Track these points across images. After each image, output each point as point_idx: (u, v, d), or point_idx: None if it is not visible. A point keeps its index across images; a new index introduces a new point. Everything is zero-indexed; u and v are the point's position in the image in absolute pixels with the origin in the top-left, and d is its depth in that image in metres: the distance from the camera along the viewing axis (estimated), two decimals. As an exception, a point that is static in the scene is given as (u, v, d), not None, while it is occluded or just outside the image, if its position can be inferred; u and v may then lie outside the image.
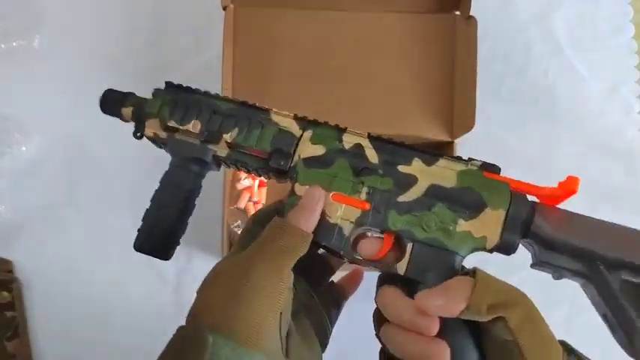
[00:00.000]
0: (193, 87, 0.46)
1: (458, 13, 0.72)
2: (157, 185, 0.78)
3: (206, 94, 0.45)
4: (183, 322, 0.74)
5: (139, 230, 0.47)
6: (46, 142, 0.75)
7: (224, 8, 0.68)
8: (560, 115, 0.79)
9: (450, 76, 0.72)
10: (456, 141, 0.71)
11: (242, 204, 0.73)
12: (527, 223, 0.36)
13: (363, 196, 0.38)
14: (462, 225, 0.37)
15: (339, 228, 0.38)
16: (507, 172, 0.84)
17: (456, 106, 0.72)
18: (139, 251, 0.47)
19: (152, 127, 0.45)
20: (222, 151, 0.43)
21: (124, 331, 0.71)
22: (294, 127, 0.42)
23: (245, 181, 0.73)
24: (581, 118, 0.79)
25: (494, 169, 0.39)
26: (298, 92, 0.71)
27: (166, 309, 0.72)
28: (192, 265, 0.73)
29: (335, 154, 0.40)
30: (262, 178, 0.45)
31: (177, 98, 0.45)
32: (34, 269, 0.72)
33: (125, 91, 0.48)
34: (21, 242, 0.72)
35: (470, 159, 0.39)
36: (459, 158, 0.39)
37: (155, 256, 0.46)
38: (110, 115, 0.47)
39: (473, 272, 0.35)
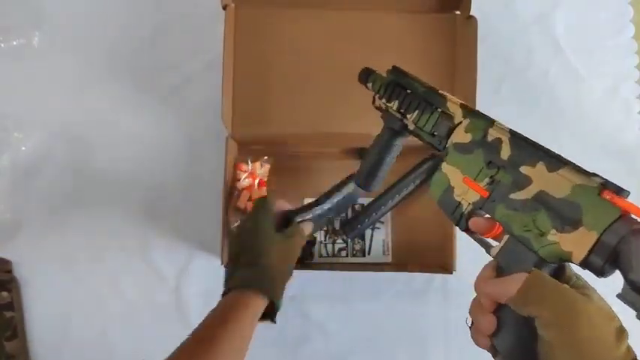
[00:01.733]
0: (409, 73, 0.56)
1: (458, 13, 0.72)
2: (156, 186, 0.79)
3: (413, 78, 0.56)
4: (182, 322, 0.74)
5: (360, 168, 0.62)
6: (45, 141, 0.75)
7: (224, 8, 0.68)
8: (561, 115, 0.79)
9: (451, 75, 0.72)
10: (456, 141, 0.71)
11: (242, 204, 0.73)
12: (616, 252, 0.36)
13: (485, 184, 0.44)
14: (554, 235, 0.39)
15: (459, 204, 0.46)
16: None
17: (456, 106, 0.72)
18: (359, 185, 0.62)
19: (378, 100, 0.58)
20: (411, 125, 0.54)
21: (123, 330, 0.71)
22: (459, 114, 0.49)
23: (245, 180, 0.73)
24: (582, 118, 0.79)
25: (618, 190, 0.38)
26: (298, 91, 0.71)
27: (166, 309, 0.72)
28: (192, 264, 0.73)
29: (477, 143, 0.46)
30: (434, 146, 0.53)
31: (393, 79, 0.56)
32: (33, 269, 0.72)
33: (371, 70, 0.60)
34: (20, 242, 0.72)
35: (594, 174, 0.40)
36: (583, 170, 0.41)
37: (368, 190, 0.62)
38: (363, 84, 0.61)
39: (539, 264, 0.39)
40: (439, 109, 0.51)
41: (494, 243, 0.44)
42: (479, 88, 0.66)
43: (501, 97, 0.79)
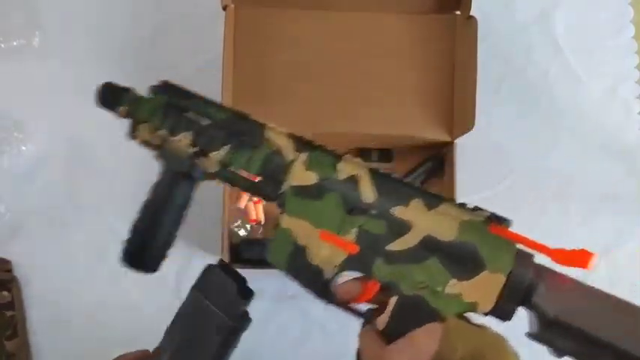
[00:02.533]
0: (192, 90, 0.44)
1: (458, 13, 0.72)
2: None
3: (202, 100, 0.42)
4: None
5: (126, 242, 0.44)
6: (45, 142, 0.75)
7: (224, 8, 0.68)
8: (560, 115, 0.79)
9: (450, 76, 0.72)
10: (456, 141, 0.71)
11: (242, 204, 0.73)
12: (528, 292, 0.32)
13: (352, 237, 0.34)
14: (454, 286, 0.32)
15: (319, 270, 0.35)
16: (506, 174, 0.84)
17: (456, 106, 0.72)
18: (125, 265, 0.44)
19: (144, 131, 0.42)
20: (212, 167, 0.40)
21: (123, 330, 0.71)
22: (289, 148, 0.38)
23: (245, 180, 0.73)
24: (581, 118, 0.79)
25: (503, 222, 0.34)
26: (298, 92, 0.71)
27: (166, 309, 0.72)
28: (192, 264, 0.73)
29: (327, 184, 0.36)
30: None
31: (171, 103, 0.42)
32: (33, 269, 0.72)
33: (121, 87, 0.46)
34: (20, 242, 0.72)
35: (476, 208, 0.35)
36: (464, 205, 0.35)
37: (142, 271, 0.44)
38: (106, 109, 0.45)
39: (443, 319, 0.32)
40: (259, 142, 0.38)
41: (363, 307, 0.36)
42: (479, 88, 0.66)
43: (501, 97, 0.79)
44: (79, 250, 0.73)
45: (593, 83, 0.80)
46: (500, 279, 0.32)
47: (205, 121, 0.40)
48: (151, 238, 0.43)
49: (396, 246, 0.34)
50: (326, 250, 0.35)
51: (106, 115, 0.76)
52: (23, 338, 0.69)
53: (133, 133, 0.43)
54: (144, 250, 0.44)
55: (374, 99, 0.71)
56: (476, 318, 0.34)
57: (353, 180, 0.35)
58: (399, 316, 0.33)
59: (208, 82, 0.75)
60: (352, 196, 0.35)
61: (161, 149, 0.42)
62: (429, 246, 0.33)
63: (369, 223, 0.34)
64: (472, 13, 0.68)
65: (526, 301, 0.32)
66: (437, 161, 0.74)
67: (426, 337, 0.31)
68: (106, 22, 0.78)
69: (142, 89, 0.77)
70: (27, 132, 0.75)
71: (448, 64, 0.72)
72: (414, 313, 0.33)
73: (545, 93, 0.80)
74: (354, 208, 0.35)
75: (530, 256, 0.33)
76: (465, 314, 0.33)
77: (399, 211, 0.34)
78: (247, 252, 0.70)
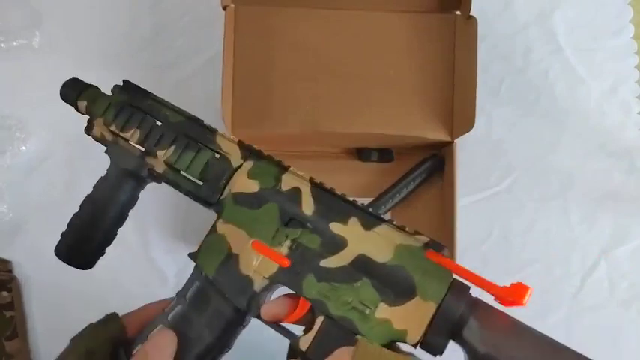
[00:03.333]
0: (151, 92, 0.44)
1: (458, 13, 0.72)
2: (157, 185, 0.78)
3: (159, 101, 0.42)
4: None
5: (62, 235, 0.44)
6: (46, 141, 0.75)
7: (224, 8, 0.68)
8: (560, 115, 0.79)
9: (450, 76, 0.72)
10: (456, 141, 0.71)
11: (242, 204, 0.73)
12: (460, 324, 0.31)
13: (285, 249, 0.34)
14: (383, 310, 0.31)
15: (249, 280, 0.34)
16: (506, 174, 0.84)
17: (456, 105, 0.72)
18: (60, 257, 0.44)
19: (100, 127, 0.43)
20: (159, 167, 0.40)
21: (123, 330, 0.71)
22: (236, 155, 0.38)
23: (245, 180, 0.73)
24: (581, 118, 0.79)
25: (441, 250, 0.33)
26: (298, 92, 0.71)
27: (166, 308, 0.72)
28: (193, 264, 0.73)
29: (268, 194, 0.35)
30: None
31: (127, 101, 0.42)
32: (33, 269, 0.72)
33: (85, 83, 0.47)
34: (21, 242, 0.72)
35: (416, 232, 0.34)
36: (403, 229, 0.34)
37: (76, 266, 0.43)
38: (68, 103, 0.46)
39: (355, 341, 0.31)
40: (208, 147, 0.39)
41: (297, 328, 0.35)
42: (479, 88, 0.67)
43: (501, 97, 0.79)
44: (79, 250, 0.73)
45: (594, 83, 0.80)
46: (431, 307, 0.31)
47: (158, 122, 0.41)
48: (90, 234, 0.43)
49: (328, 263, 0.33)
50: (257, 261, 0.34)
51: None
52: (23, 338, 0.69)
53: (89, 128, 0.44)
54: (80, 246, 0.44)
55: (374, 99, 0.71)
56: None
57: (295, 192, 0.35)
58: (322, 338, 0.32)
59: (208, 81, 0.75)
60: (291, 208, 0.35)
61: (112, 146, 0.42)
62: (362, 266, 0.32)
63: (304, 236, 0.34)
64: (472, 12, 0.68)
65: (457, 335, 0.31)
66: (437, 161, 0.74)
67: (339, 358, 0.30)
68: (107, 22, 0.79)
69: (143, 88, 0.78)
70: (28, 132, 0.75)
71: (448, 63, 0.72)
72: (338, 336, 0.31)
73: (545, 93, 0.80)
74: (290, 220, 0.34)
75: (465, 288, 0.32)
76: (395, 343, 0.32)
77: (335, 227, 0.33)
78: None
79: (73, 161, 0.75)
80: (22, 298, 0.70)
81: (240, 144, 0.38)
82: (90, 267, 0.45)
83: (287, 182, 0.36)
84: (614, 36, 0.81)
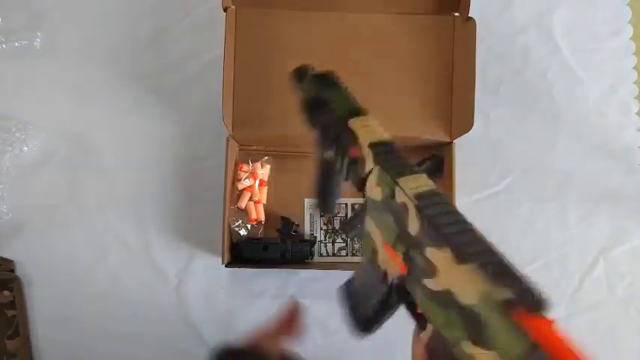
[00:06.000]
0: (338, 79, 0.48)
1: (457, 14, 0.73)
2: (157, 186, 0.79)
3: (338, 90, 0.47)
4: (184, 321, 0.75)
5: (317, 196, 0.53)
6: (47, 142, 0.76)
7: (225, 9, 0.69)
8: (559, 115, 0.79)
9: (449, 76, 0.73)
10: (455, 141, 0.72)
11: (243, 204, 0.73)
12: None
13: (401, 258, 0.34)
14: (469, 347, 0.30)
15: (385, 275, 0.36)
16: (505, 174, 0.85)
17: (455, 106, 0.72)
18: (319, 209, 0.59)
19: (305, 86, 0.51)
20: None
21: (124, 330, 0.71)
22: (369, 157, 0.39)
23: (246, 180, 0.73)
24: (580, 119, 0.80)
25: (533, 307, 0.27)
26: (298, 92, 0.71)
27: (168, 308, 0.73)
28: (193, 264, 0.74)
29: (387, 206, 0.36)
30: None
31: (319, 90, 0.48)
32: (35, 268, 0.72)
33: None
34: (22, 241, 0.73)
35: (515, 278, 0.29)
36: (499, 272, 0.30)
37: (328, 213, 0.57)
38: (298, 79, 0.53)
39: None
40: (346, 149, 0.40)
41: None
42: (477, 88, 0.67)
43: (500, 98, 0.79)
44: (81, 250, 0.73)
45: (592, 84, 0.80)
46: None
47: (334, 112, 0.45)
48: (328, 195, 0.51)
49: (428, 284, 0.32)
50: (387, 261, 0.36)
51: (107, 116, 0.77)
52: (25, 338, 0.69)
53: (299, 83, 0.52)
54: (327, 203, 0.53)
55: (373, 99, 0.70)
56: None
57: (403, 209, 0.35)
58: (433, 345, 0.33)
59: (209, 83, 0.76)
60: (403, 222, 0.34)
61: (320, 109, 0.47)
62: (449, 300, 0.30)
63: (413, 252, 0.34)
64: (471, 14, 0.69)
65: None
66: (436, 161, 0.75)
67: None
68: (107, 24, 0.79)
69: (143, 89, 0.78)
70: (28, 132, 0.75)
71: (447, 65, 0.73)
72: (444, 349, 0.32)
73: (543, 93, 0.80)
74: (402, 234, 0.34)
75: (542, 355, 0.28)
76: None
77: (430, 253, 0.32)
78: (248, 252, 0.71)
79: (74, 161, 0.75)
80: (24, 298, 0.71)
81: (373, 146, 0.39)
82: (333, 214, 0.58)
83: (399, 196, 0.35)
84: (612, 37, 0.82)
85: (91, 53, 0.78)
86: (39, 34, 0.77)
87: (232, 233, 0.72)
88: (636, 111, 0.80)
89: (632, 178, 0.78)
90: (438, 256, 0.31)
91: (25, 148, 0.75)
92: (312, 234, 0.75)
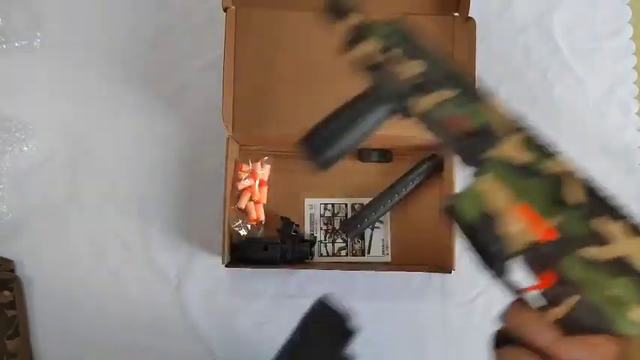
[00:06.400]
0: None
1: (457, 14, 0.73)
2: (157, 186, 0.79)
3: (433, 49, 0.42)
4: (184, 321, 0.75)
5: (316, 127, 0.46)
6: (47, 142, 0.76)
7: (225, 9, 0.69)
8: (559, 115, 0.79)
9: (449, 77, 0.73)
10: (455, 141, 0.72)
11: (243, 204, 0.73)
12: None
13: (553, 223, 0.33)
14: (637, 312, 0.30)
15: (509, 241, 0.33)
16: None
17: (455, 106, 0.72)
18: (306, 147, 0.46)
19: (369, 46, 0.44)
20: (426, 104, 0.39)
21: (124, 330, 0.71)
22: (506, 123, 0.38)
23: (246, 180, 0.73)
24: (580, 119, 0.80)
25: None
26: (299, 93, 0.71)
27: (167, 308, 0.73)
28: (193, 264, 0.74)
29: (540, 169, 0.35)
30: (444, 153, 0.44)
31: (410, 34, 0.43)
32: (35, 268, 0.72)
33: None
34: (22, 241, 0.73)
35: None
36: None
37: (317, 161, 0.45)
38: (335, 16, 0.47)
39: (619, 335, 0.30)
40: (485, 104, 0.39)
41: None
42: (477, 89, 0.67)
43: (500, 98, 0.79)
44: (81, 250, 0.73)
45: (592, 84, 0.80)
46: None
47: (437, 61, 0.41)
48: (341, 133, 0.45)
49: (591, 252, 0.32)
50: (519, 226, 0.34)
51: (107, 116, 0.77)
52: (25, 338, 0.69)
53: (353, 44, 0.45)
54: (329, 142, 0.45)
55: (373, 99, 0.71)
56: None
57: (568, 176, 0.35)
58: (576, 317, 0.32)
59: (209, 83, 0.76)
60: (565, 190, 0.34)
61: (378, 69, 0.42)
62: (623, 266, 0.31)
63: (572, 220, 0.33)
64: (471, 14, 0.69)
65: None
66: (436, 161, 0.75)
67: (604, 345, 0.30)
68: (108, 24, 0.79)
69: (143, 90, 0.78)
70: (28, 132, 0.75)
71: (447, 65, 0.73)
72: (591, 322, 0.31)
73: (543, 94, 0.80)
74: (563, 200, 0.34)
75: None
76: None
77: (605, 223, 0.33)
78: (248, 252, 0.71)
79: (74, 162, 0.75)
80: (24, 298, 0.71)
81: (514, 116, 0.39)
82: (326, 168, 0.46)
83: (560, 164, 0.36)
84: (612, 37, 0.82)
85: (91, 53, 0.78)
86: (39, 34, 0.77)
87: (232, 233, 0.72)
88: (636, 111, 0.80)
89: (632, 178, 0.78)
90: (611, 226, 0.32)
91: (25, 148, 0.75)
92: (312, 234, 0.75)
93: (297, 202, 0.75)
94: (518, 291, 0.34)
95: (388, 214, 0.75)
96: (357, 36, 0.45)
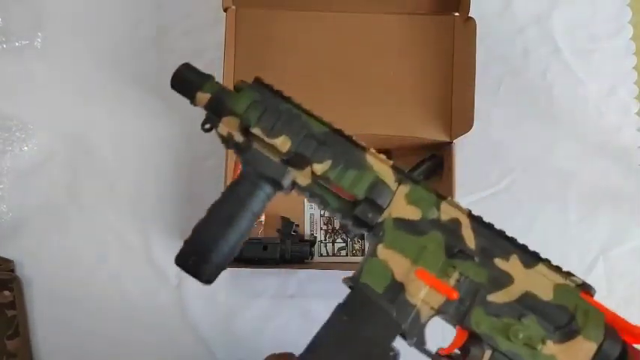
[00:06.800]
0: (285, 93, 0.41)
1: (457, 14, 0.73)
2: (157, 186, 0.79)
3: (298, 107, 0.40)
4: (184, 321, 0.75)
5: (186, 243, 0.40)
6: (47, 142, 0.76)
7: (225, 10, 0.69)
8: (559, 115, 0.79)
9: (449, 77, 0.73)
10: (455, 141, 0.72)
11: (242, 204, 0.73)
12: None
13: (453, 282, 0.33)
14: (550, 347, 0.32)
15: (417, 311, 0.33)
16: (505, 174, 0.84)
17: (455, 106, 0.72)
18: (183, 268, 0.40)
19: (229, 125, 0.40)
20: (303, 179, 0.38)
21: (125, 330, 0.71)
22: (390, 178, 0.37)
23: (245, 181, 0.73)
24: (580, 119, 0.80)
25: (590, 290, 0.34)
26: (299, 93, 0.71)
27: (168, 308, 0.73)
28: (193, 264, 0.74)
29: (430, 223, 0.35)
30: (337, 219, 0.40)
31: (267, 103, 0.39)
32: (35, 268, 0.72)
33: (202, 72, 0.42)
34: (22, 241, 0.73)
35: (569, 273, 0.35)
36: (558, 269, 0.35)
37: (199, 279, 0.40)
38: (180, 93, 0.42)
39: None
40: (366, 166, 0.36)
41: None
42: (477, 88, 0.67)
43: (500, 98, 0.79)
44: (80, 250, 0.73)
45: (592, 84, 0.80)
46: (592, 347, 0.31)
47: (306, 129, 0.38)
48: (216, 244, 0.39)
49: (496, 297, 0.33)
50: (424, 291, 0.33)
51: (107, 116, 0.77)
52: (25, 338, 0.69)
53: (210, 125, 0.41)
54: (205, 257, 0.39)
55: (373, 99, 0.71)
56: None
57: (455, 223, 0.35)
58: None
59: (209, 82, 0.76)
60: (455, 240, 0.34)
61: (248, 149, 0.38)
62: (528, 303, 0.32)
63: (472, 269, 0.34)
64: (471, 14, 0.69)
65: None
66: (436, 161, 0.75)
67: None
68: (108, 23, 0.79)
69: (144, 89, 0.78)
70: (29, 132, 0.75)
71: (447, 65, 0.73)
72: None
73: (543, 93, 0.80)
74: (456, 253, 0.34)
75: (615, 330, 0.33)
76: None
77: (499, 263, 0.33)
78: (247, 252, 0.71)
79: (74, 161, 0.75)
80: (24, 298, 0.71)
81: (394, 166, 0.37)
82: (209, 283, 0.41)
83: (446, 212, 0.35)
84: (612, 37, 0.82)
85: (92, 53, 0.78)
86: (39, 34, 0.77)
87: (232, 233, 0.72)
88: (636, 111, 0.80)
89: (632, 178, 0.78)
90: (508, 264, 0.33)
91: (25, 148, 0.75)
92: (312, 234, 0.75)
93: (297, 202, 0.75)
94: (435, 355, 0.34)
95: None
96: (213, 116, 0.41)
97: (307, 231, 0.75)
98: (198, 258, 0.39)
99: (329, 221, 0.76)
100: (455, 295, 0.33)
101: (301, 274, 0.74)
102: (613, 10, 0.83)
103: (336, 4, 0.72)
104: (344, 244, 0.76)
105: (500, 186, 0.77)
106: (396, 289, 0.33)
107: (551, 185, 0.77)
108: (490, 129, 0.78)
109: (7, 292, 0.69)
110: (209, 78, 0.42)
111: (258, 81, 0.41)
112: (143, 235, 0.74)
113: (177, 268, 0.73)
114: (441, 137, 0.72)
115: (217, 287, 0.73)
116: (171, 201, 0.75)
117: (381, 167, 0.37)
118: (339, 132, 0.39)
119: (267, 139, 0.38)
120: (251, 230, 0.40)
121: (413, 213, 0.35)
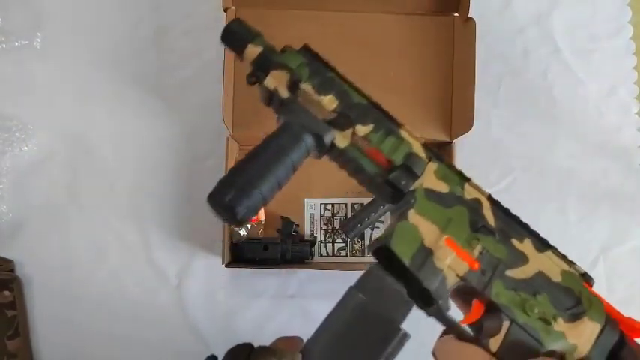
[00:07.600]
0: (330, 64, 0.41)
1: (457, 14, 0.73)
2: (157, 186, 0.79)
3: (342, 77, 0.41)
4: (184, 321, 0.75)
5: (222, 182, 0.38)
6: (47, 142, 0.76)
7: (225, 10, 0.69)
8: (559, 115, 0.79)
9: (449, 77, 0.73)
10: (455, 141, 0.72)
11: (242, 204, 0.73)
12: (615, 350, 0.34)
13: (476, 253, 0.35)
14: (560, 324, 0.34)
15: (443, 276, 0.34)
16: (505, 174, 0.85)
17: (455, 106, 0.72)
18: (217, 204, 0.38)
19: (278, 79, 0.40)
20: (342, 140, 0.38)
21: (124, 330, 0.71)
22: (422, 153, 0.39)
23: (245, 181, 0.73)
24: (580, 119, 0.80)
25: (590, 281, 0.36)
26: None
27: (168, 308, 0.73)
28: (194, 264, 0.74)
29: (456, 198, 0.37)
30: (364, 185, 0.40)
31: (315, 66, 0.41)
32: (35, 268, 0.72)
33: (253, 28, 0.42)
34: (22, 241, 0.73)
35: (572, 262, 0.37)
36: (564, 257, 0.37)
37: (228, 218, 0.38)
38: (229, 46, 0.42)
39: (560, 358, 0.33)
40: (403, 138, 0.39)
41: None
42: (477, 89, 0.67)
43: (500, 98, 0.79)
44: (81, 250, 0.73)
45: (592, 84, 0.80)
46: (596, 328, 0.34)
47: (347, 96, 0.39)
48: (259, 181, 0.37)
49: (514, 273, 0.35)
50: (451, 258, 0.35)
51: (107, 116, 0.77)
52: (25, 338, 0.70)
53: (259, 78, 0.41)
54: (247, 192, 0.37)
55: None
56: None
57: (477, 203, 0.38)
58: (511, 341, 0.34)
59: (209, 83, 0.76)
60: (477, 216, 0.37)
61: (293, 102, 0.39)
62: (541, 282, 0.35)
63: (492, 245, 0.36)
64: (471, 14, 0.69)
65: (614, 356, 0.34)
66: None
67: None
68: (108, 23, 0.79)
69: (144, 89, 0.78)
70: (28, 132, 0.75)
71: (447, 65, 0.73)
72: (524, 341, 0.34)
73: (543, 93, 0.80)
74: (480, 228, 0.36)
75: (613, 319, 0.35)
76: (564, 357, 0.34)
77: (516, 243, 0.36)
78: (248, 251, 0.71)
79: (74, 161, 0.75)
80: (24, 298, 0.71)
81: (424, 145, 0.39)
82: (242, 224, 0.41)
83: (469, 192, 0.38)
84: (612, 37, 0.82)
85: (92, 53, 0.78)
86: (39, 34, 0.77)
87: (232, 233, 0.72)
88: (636, 111, 0.80)
89: (632, 178, 0.78)
90: (522, 245, 0.36)
91: (25, 148, 0.75)
92: (312, 234, 0.75)
93: (297, 202, 0.75)
94: (454, 325, 0.35)
95: (388, 214, 0.75)
96: (259, 71, 0.41)
97: (307, 231, 0.75)
98: (241, 193, 0.37)
99: (329, 221, 0.76)
100: (477, 266, 0.35)
101: (301, 274, 0.74)
102: (613, 10, 0.83)
103: (336, 4, 0.72)
104: (344, 244, 0.76)
105: (500, 186, 0.77)
106: (425, 253, 0.35)
107: (551, 185, 0.77)
108: (490, 129, 0.78)
109: (7, 292, 0.69)
110: (260, 34, 0.42)
111: (306, 47, 0.42)
112: (143, 235, 0.74)
113: (178, 268, 0.74)
114: (441, 137, 0.72)
115: (217, 287, 0.73)
116: (171, 201, 0.75)
117: (415, 142, 0.39)
118: (377, 105, 0.41)
119: (315, 96, 0.39)
120: (287, 181, 0.39)
121: (441, 187, 0.38)
